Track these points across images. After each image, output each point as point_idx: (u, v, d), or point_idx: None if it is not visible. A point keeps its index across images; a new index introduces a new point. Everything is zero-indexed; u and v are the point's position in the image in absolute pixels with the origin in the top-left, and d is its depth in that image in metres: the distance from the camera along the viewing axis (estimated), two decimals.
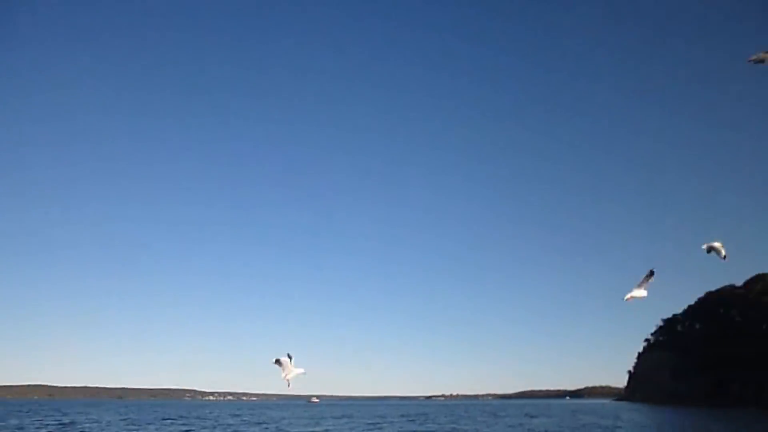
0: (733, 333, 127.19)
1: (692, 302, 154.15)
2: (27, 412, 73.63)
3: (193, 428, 44.57)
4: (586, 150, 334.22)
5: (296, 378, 11.50)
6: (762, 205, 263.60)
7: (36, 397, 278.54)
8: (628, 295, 21.24)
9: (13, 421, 51.10)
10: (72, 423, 49.33)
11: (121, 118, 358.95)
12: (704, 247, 21.89)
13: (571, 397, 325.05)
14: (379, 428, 46.57)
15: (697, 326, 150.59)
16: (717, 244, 20.61)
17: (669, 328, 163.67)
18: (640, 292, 21.07)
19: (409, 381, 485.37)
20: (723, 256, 20.58)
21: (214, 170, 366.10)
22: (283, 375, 11.43)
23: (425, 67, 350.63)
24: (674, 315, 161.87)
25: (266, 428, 45.43)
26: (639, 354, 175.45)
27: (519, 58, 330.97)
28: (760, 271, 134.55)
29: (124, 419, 57.56)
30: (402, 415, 71.08)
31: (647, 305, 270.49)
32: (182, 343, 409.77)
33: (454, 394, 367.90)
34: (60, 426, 45.15)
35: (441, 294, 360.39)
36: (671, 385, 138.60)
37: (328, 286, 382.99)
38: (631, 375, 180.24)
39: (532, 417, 63.93)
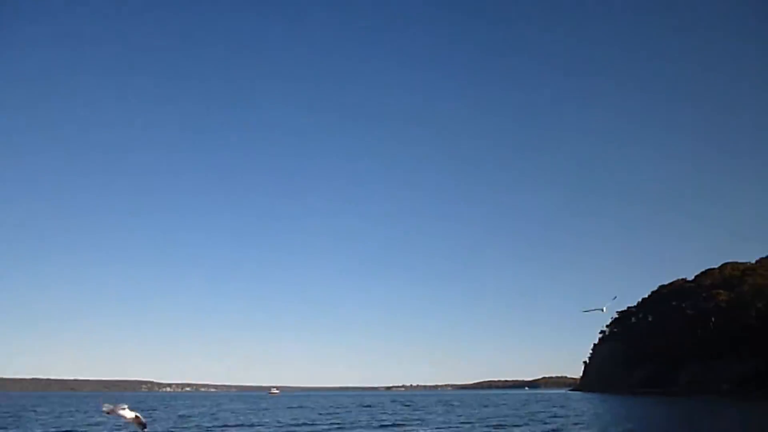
0: (684, 325, 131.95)
1: (646, 295, 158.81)
2: None
3: None
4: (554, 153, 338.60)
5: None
6: (711, 203, 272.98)
7: None
8: (597, 308, 27.46)
9: None
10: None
11: (121, 117, 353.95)
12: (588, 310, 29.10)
13: (529, 387, 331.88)
14: (338, 417, 47.23)
15: (650, 318, 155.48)
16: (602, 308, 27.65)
17: (623, 320, 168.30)
18: (600, 308, 27.35)
19: (369, 372, 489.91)
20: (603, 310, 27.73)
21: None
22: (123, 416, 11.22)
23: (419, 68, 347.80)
24: (628, 307, 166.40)
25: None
26: (594, 345, 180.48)
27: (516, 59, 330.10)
28: (710, 266, 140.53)
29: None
30: (360, 405, 71.73)
31: (606, 298, 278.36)
32: (137, 333, 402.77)
33: (414, 384, 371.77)
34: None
35: (401, 287, 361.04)
36: (622, 375, 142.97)
37: (288, 277, 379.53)
38: (586, 365, 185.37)
39: (484, 406, 65.38)
